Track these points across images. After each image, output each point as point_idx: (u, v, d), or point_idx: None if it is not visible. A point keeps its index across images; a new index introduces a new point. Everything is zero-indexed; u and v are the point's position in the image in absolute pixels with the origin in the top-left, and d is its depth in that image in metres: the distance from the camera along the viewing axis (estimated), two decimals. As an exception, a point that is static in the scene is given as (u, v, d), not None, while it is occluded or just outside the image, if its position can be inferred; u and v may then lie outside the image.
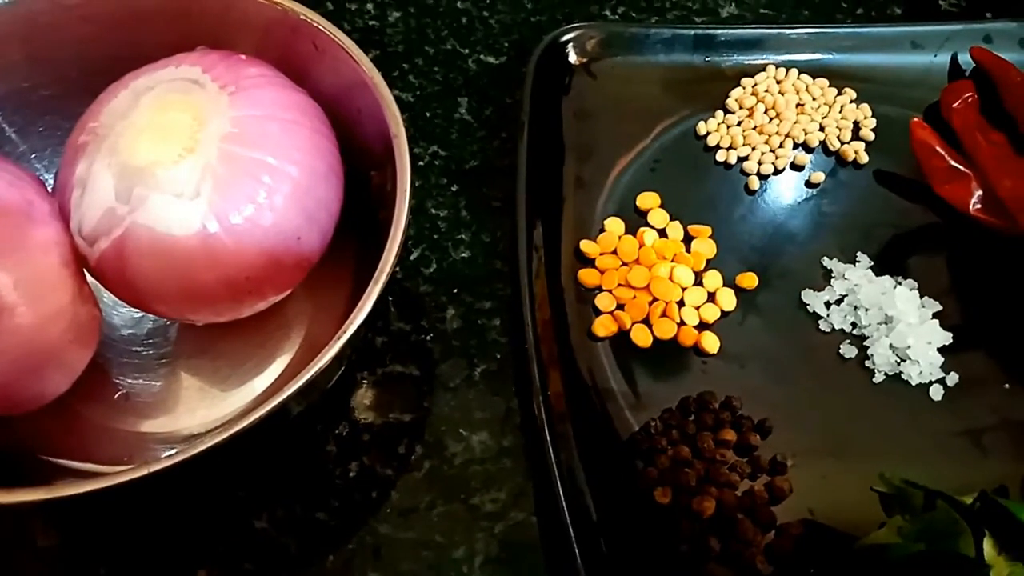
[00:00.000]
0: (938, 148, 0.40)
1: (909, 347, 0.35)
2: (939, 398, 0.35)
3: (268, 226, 0.29)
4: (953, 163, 0.40)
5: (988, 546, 0.27)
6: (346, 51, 0.32)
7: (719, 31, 0.43)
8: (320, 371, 0.27)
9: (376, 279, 0.28)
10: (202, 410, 0.34)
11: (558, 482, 0.31)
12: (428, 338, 0.36)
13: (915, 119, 0.40)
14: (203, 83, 0.30)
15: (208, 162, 0.29)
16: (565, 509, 0.30)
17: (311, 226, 0.31)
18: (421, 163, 0.41)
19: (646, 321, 0.36)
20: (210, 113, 0.30)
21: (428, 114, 0.43)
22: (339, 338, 0.27)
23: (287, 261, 0.31)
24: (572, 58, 0.42)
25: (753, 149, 0.41)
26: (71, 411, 0.32)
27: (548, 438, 0.31)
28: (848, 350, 0.36)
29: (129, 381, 0.34)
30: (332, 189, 0.32)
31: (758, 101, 0.42)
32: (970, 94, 0.42)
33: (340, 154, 0.33)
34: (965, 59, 0.44)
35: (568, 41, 0.41)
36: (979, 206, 0.39)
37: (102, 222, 0.29)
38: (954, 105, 0.41)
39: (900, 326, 0.35)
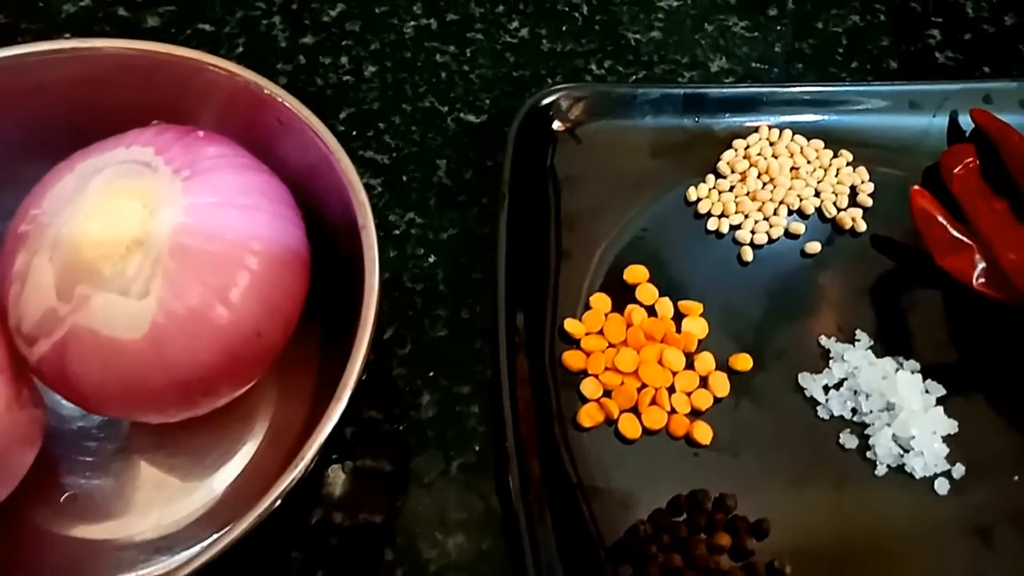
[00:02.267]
0: (939, 218, 0.38)
1: (913, 437, 0.33)
2: (945, 492, 0.33)
3: (224, 324, 0.27)
4: (955, 233, 0.38)
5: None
6: (311, 129, 0.30)
7: (710, 90, 0.41)
8: (286, 491, 0.25)
9: (338, 396, 0.26)
10: (156, 511, 0.31)
11: (540, 592, 0.29)
12: (401, 428, 0.34)
13: (915, 187, 0.38)
14: (155, 166, 0.28)
15: (158, 256, 0.26)
16: (547, 624, 0.28)
17: (272, 319, 0.28)
18: (396, 231, 0.39)
19: (634, 409, 0.34)
20: (162, 200, 0.27)
21: (405, 178, 0.40)
22: (296, 465, 0.25)
23: (246, 358, 0.28)
24: (555, 123, 0.39)
25: (746, 217, 0.39)
26: (10, 518, 0.30)
27: (528, 544, 0.29)
28: (849, 439, 0.34)
29: (79, 481, 0.31)
30: (296, 276, 0.29)
31: (751, 165, 0.40)
32: (971, 159, 0.40)
33: (306, 233, 0.31)
34: (965, 119, 0.42)
35: (550, 105, 0.39)
36: (983, 279, 0.37)
37: (42, 322, 0.26)
38: (955, 171, 0.39)
39: (903, 415, 0.33)
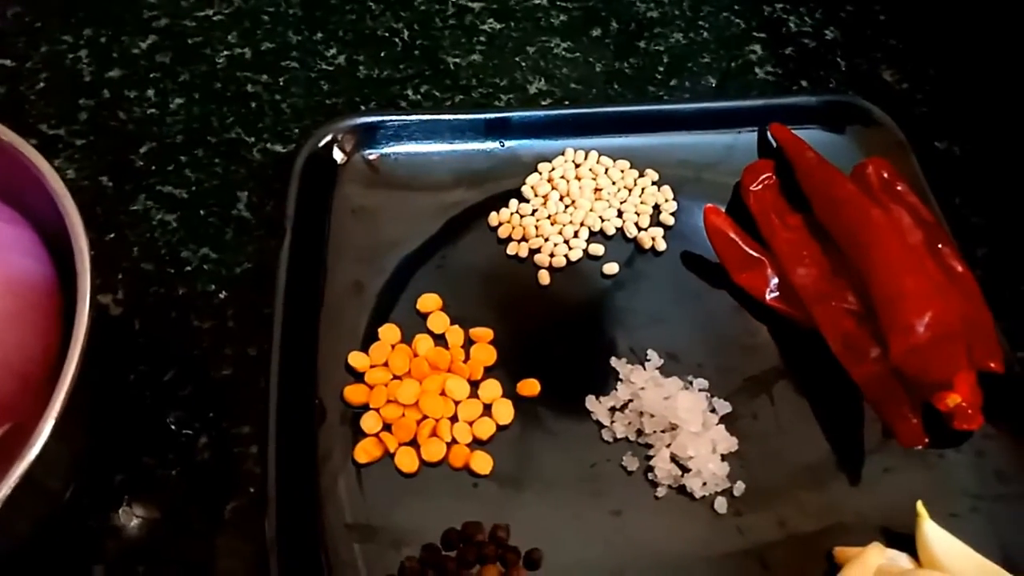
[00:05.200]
0: (732, 235, 0.38)
1: (691, 457, 0.33)
2: (724, 511, 0.33)
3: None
4: (748, 250, 0.38)
5: None
6: (44, 177, 0.29)
7: (513, 115, 0.41)
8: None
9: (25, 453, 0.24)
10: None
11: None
12: (175, 472, 0.33)
13: (708, 205, 0.39)
14: None
15: None
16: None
17: (1, 374, 0.27)
18: (188, 268, 0.38)
19: (414, 442, 0.33)
20: None
21: (202, 212, 0.40)
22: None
23: (-27, 414, 0.27)
24: (347, 154, 0.39)
25: (546, 240, 0.39)
26: None
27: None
28: (631, 462, 0.33)
29: None
30: (31, 328, 0.28)
31: (552, 188, 0.40)
32: (768, 174, 0.40)
33: (56, 279, 0.30)
34: (772, 135, 0.43)
35: (341, 136, 0.39)
36: (776, 294, 0.37)
37: None
38: (751, 187, 0.40)
39: (681, 435, 0.33)
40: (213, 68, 0.45)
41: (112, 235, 0.39)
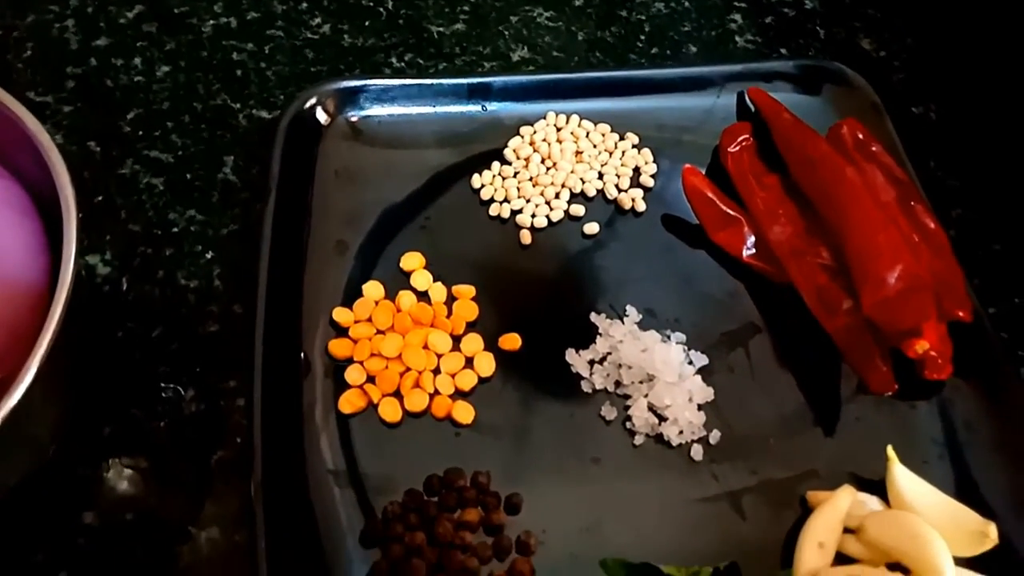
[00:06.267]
0: (709, 194, 0.39)
1: (668, 406, 0.34)
2: (700, 458, 0.34)
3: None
4: (725, 209, 0.39)
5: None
6: (41, 147, 0.29)
7: (495, 79, 0.42)
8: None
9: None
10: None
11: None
12: (162, 424, 0.33)
13: (687, 165, 0.39)
14: None
15: None
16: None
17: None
18: (175, 229, 0.38)
19: (397, 393, 0.34)
20: None
21: (189, 175, 0.40)
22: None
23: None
24: (329, 116, 0.40)
25: (528, 201, 0.40)
26: None
27: (262, 539, 0.29)
28: (609, 411, 0.34)
29: None
30: (16, 293, 0.29)
31: (534, 151, 0.41)
32: (746, 136, 0.41)
33: (45, 237, 0.30)
34: (751, 99, 0.43)
35: (324, 99, 0.39)
36: (752, 252, 0.38)
37: None
38: (729, 149, 0.41)
39: (658, 385, 0.34)
40: (199, 37, 0.45)
41: (100, 198, 0.39)
